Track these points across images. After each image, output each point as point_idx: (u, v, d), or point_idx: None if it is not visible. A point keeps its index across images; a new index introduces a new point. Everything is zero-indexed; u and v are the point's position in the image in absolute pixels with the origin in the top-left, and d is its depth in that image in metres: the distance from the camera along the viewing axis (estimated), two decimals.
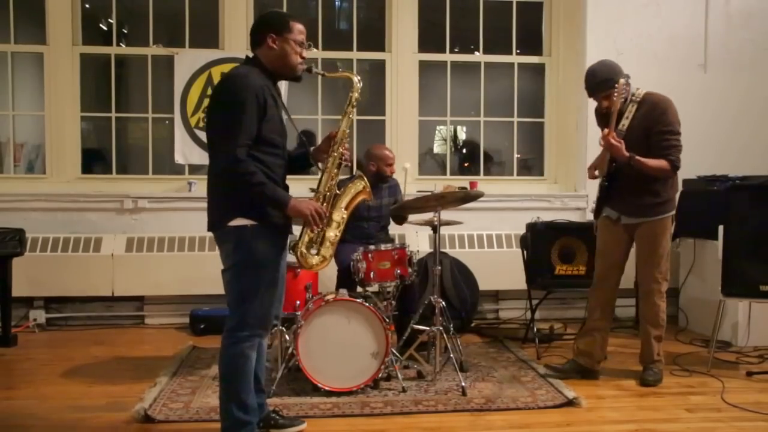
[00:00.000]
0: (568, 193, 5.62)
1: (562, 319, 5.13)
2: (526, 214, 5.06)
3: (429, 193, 4.18)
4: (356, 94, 2.91)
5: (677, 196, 3.83)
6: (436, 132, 6.36)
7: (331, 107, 5.62)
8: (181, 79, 5.33)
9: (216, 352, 3.65)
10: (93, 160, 5.67)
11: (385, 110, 5.63)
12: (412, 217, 4.20)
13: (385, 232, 4.50)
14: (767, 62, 5.61)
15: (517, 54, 5.79)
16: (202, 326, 4.80)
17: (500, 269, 5.11)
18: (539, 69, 5.81)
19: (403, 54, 5.60)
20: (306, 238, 2.80)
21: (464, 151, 6.53)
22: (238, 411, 2.65)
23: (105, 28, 5.67)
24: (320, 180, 2.83)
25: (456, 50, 5.81)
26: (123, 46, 5.65)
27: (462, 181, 5.58)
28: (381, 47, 5.66)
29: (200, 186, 5.23)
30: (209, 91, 5.31)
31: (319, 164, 2.88)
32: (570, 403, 3.32)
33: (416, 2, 5.60)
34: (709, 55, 5.56)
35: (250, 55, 2.77)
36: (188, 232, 5.11)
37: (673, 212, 3.71)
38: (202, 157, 5.29)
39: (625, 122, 3.60)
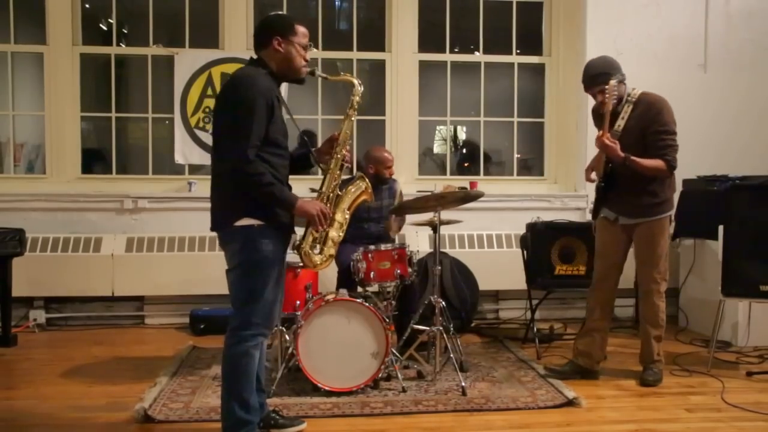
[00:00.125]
0: (568, 193, 5.61)
1: (562, 319, 5.13)
2: (526, 214, 5.06)
3: (429, 193, 4.18)
4: (357, 98, 2.93)
5: (675, 196, 3.82)
6: (436, 132, 6.36)
7: (331, 107, 5.62)
8: (181, 79, 5.33)
9: (216, 352, 3.64)
10: (93, 160, 5.67)
11: (385, 110, 5.63)
12: (412, 218, 4.21)
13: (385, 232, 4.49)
14: (767, 62, 5.61)
15: (517, 54, 5.79)
16: (202, 326, 4.80)
17: (500, 269, 5.11)
18: (539, 69, 5.81)
19: (403, 54, 5.60)
20: (310, 238, 2.82)
21: (464, 151, 6.52)
22: (240, 410, 2.66)
23: (105, 28, 5.67)
24: (323, 181, 2.86)
25: (456, 50, 5.81)
26: (123, 46, 5.65)
27: (462, 181, 5.58)
28: (381, 47, 5.66)
29: (200, 186, 5.24)
30: (209, 91, 5.32)
31: (321, 165, 2.90)
32: (570, 403, 3.32)
33: (416, 2, 5.59)
34: (709, 55, 5.56)
35: (253, 56, 2.77)
36: (188, 232, 5.11)
37: (671, 212, 3.71)
38: (202, 157, 5.30)
39: (620, 123, 3.59)
